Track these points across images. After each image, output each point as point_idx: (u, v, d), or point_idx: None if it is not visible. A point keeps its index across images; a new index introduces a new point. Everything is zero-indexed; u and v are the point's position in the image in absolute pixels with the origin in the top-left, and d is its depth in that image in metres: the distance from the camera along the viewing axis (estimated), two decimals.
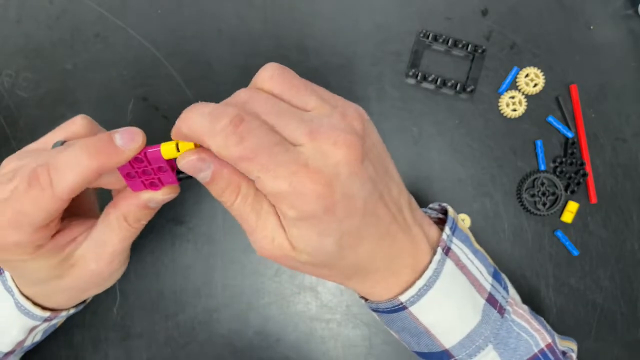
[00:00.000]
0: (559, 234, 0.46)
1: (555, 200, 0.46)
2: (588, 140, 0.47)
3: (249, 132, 0.24)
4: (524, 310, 0.34)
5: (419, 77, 0.46)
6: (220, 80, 0.47)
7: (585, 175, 0.46)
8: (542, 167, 0.46)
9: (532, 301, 0.46)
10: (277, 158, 0.24)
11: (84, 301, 0.38)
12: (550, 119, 0.47)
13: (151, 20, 0.47)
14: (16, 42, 0.47)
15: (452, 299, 0.30)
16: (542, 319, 0.35)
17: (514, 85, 0.47)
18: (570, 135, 0.47)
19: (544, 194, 0.46)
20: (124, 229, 0.30)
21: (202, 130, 0.24)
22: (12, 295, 0.33)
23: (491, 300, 0.31)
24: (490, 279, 0.32)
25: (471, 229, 0.46)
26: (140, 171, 0.28)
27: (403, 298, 0.29)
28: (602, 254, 0.46)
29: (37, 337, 0.37)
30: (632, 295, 0.46)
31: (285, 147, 0.24)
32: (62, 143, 0.30)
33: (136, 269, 0.45)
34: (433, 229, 0.31)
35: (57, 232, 0.30)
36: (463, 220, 0.46)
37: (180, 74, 0.47)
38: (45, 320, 0.34)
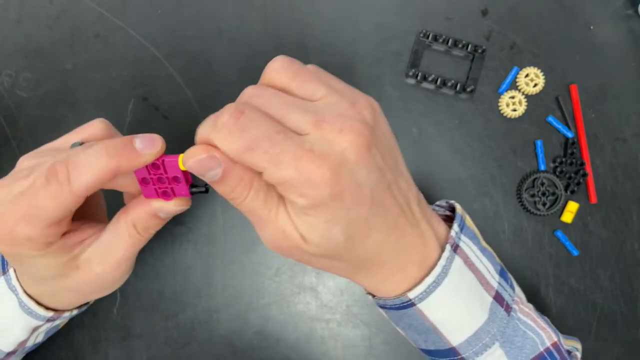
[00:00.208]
0: (559, 234, 0.46)
1: (555, 200, 0.46)
2: (588, 140, 0.47)
3: (250, 122, 0.24)
4: (529, 308, 0.34)
5: (419, 77, 0.46)
6: (220, 80, 0.47)
7: (585, 175, 0.46)
8: (542, 167, 0.46)
9: (532, 301, 0.45)
10: (281, 145, 0.24)
11: (87, 303, 0.38)
12: (550, 119, 0.47)
13: (151, 20, 0.47)
14: (16, 42, 0.47)
15: (460, 296, 0.30)
16: (546, 318, 0.35)
17: (514, 85, 0.47)
18: (570, 135, 0.47)
19: (544, 194, 0.46)
20: (133, 236, 0.30)
21: (207, 131, 0.25)
22: (16, 295, 0.33)
23: (498, 298, 0.31)
24: (497, 276, 0.32)
25: None
26: (156, 178, 0.28)
27: (411, 295, 0.29)
28: (602, 254, 0.46)
29: (39, 337, 0.37)
30: (632, 295, 0.46)
31: (288, 135, 0.24)
32: (80, 144, 0.30)
33: (136, 269, 0.44)
34: (441, 226, 0.31)
35: (67, 232, 0.30)
36: None
37: (180, 74, 0.47)
38: (48, 320, 0.34)
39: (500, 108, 0.47)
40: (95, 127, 0.31)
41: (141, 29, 0.47)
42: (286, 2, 0.48)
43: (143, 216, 0.30)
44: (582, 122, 0.47)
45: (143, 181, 0.28)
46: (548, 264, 0.46)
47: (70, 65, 0.47)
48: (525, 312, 0.33)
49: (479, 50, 0.46)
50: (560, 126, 0.47)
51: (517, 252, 0.46)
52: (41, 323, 0.34)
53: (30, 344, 0.36)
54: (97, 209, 0.35)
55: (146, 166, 0.27)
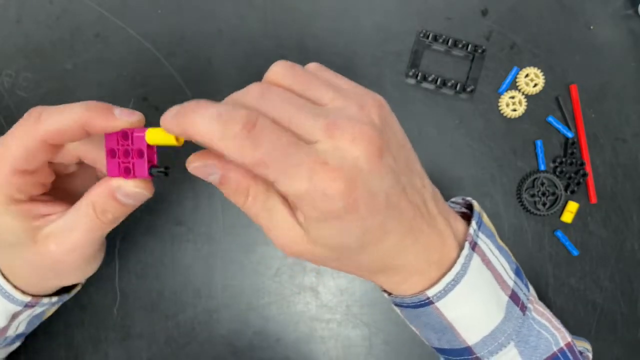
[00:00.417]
0: (559, 234, 0.46)
1: (555, 200, 0.46)
2: (588, 140, 0.47)
3: (262, 136, 0.23)
4: (543, 308, 0.34)
5: (419, 77, 0.46)
6: (220, 80, 0.47)
7: (585, 175, 0.46)
8: (542, 167, 0.46)
9: None
10: (294, 159, 0.23)
11: (68, 292, 0.37)
12: (550, 119, 0.47)
13: (151, 20, 0.47)
14: (16, 42, 0.47)
15: (477, 295, 0.29)
16: (557, 319, 0.35)
17: (514, 85, 0.47)
18: (570, 135, 0.47)
19: (544, 194, 0.46)
20: (90, 218, 0.29)
21: (212, 136, 0.23)
22: None
23: (514, 297, 0.31)
24: (513, 275, 0.32)
25: None
26: (122, 151, 0.27)
27: (430, 293, 0.29)
28: (602, 254, 0.46)
29: (20, 327, 0.36)
30: (632, 295, 0.46)
31: (301, 146, 0.23)
32: None
33: (136, 269, 0.45)
34: (459, 222, 0.31)
35: (37, 200, 0.30)
36: None
37: (180, 74, 0.47)
38: (27, 306, 0.34)
39: (500, 108, 0.47)
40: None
41: (141, 29, 0.47)
42: (286, 2, 0.48)
43: (101, 195, 0.29)
44: (582, 122, 0.47)
45: (110, 153, 0.28)
46: (548, 264, 0.46)
47: (70, 65, 0.47)
48: (539, 312, 0.33)
49: (479, 50, 0.46)
50: (560, 126, 0.47)
51: (517, 252, 0.46)
52: (19, 309, 0.33)
53: (11, 333, 0.35)
54: (79, 196, 0.34)
55: (116, 136, 0.27)
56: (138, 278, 0.45)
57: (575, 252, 0.46)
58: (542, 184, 0.46)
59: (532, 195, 0.46)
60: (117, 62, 0.47)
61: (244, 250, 0.45)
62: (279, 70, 0.26)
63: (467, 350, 0.31)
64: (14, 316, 0.34)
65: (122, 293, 0.45)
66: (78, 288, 0.38)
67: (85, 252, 0.31)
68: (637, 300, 0.46)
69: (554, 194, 0.46)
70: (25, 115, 0.28)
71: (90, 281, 0.40)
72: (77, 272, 0.33)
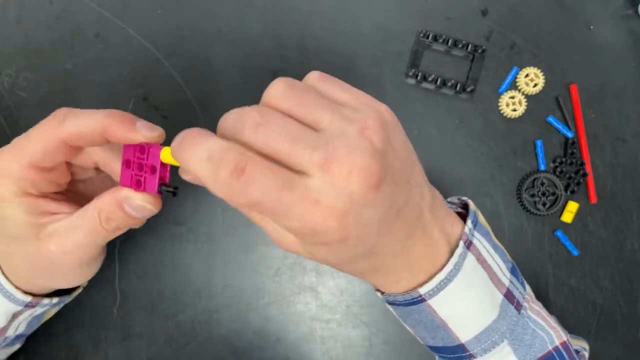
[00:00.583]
0: (559, 234, 0.46)
1: (555, 200, 0.46)
2: (588, 140, 0.47)
3: (252, 181, 0.23)
4: (539, 307, 0.34)
5: (419, 77, 0.46)
6: (220, 80, 0.47)
7: (585, 175, 0.46)
8: (542, 167, 0.46)
9: None
10: (285, 201, 0.23)
11: (69, 294, 0.37)
12: (550, 119, 0.47)
13: (151, 20, 0.47)
14: (16, 42, 0.47)
15: (471, 293, 0.30)
16: (554, 317, 0.35)
17: (514, 85, 0.47)
18: (570, 135, 0.47)
19: (544, 194, 0.46)
20: (94, 223, 0.29)
21: (203, 176, 0.23)
22: None
23: (509, 296, 0.31)
24: (508, 274, 0.32)
25: None
26: (137, 163, 0.28)
27: (422, 290, 0.29)
28: (602, 254, 0.46)
29: (20, 328, 0.36)
30: (632, 295, 0.46)
31: (292, 187, 0.23)
32: None
33: (136, 269, 0.45)
34: (456, 226, 0.31)
35: (48, 197, 0.30)
36: None
37: (180, 74, 0.47)
38: (27, 306, 0.34)
39: (500, 108, 0.47)
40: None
41: (141, 29, 0.47)
42: (286, 2, 0.48)
43: (109, 203, 0.29)
44: (582, 122, 0.47)
45: (126, 164, 0.28)
46: (548, 264, 0.46)
47: (70, 65, 0.47)
48: (535, 311, 0.33)
49: (479, 50, 0.46)
50: (560, 126, 0.47)
51: (517, 252, 0.46)
52: (20, 308, 0.33)
53: (10, 333, 0.35)
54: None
55: (134, 148, 0.28)
56: (138, 278, 0.45)
57: (575, 252, 0.46)
58: (542, 184, 0.46)
59: (532, 195, 0.46)
60: (117, 62, 0.47)
61: (244, 250, 0.45)
62: (278, 93, 0.25)
63: (461, 348, 0.31)
64: (14, 316, 0.34)
65: (122, 293, 0.45)
66: (79, 290, 0.38)
67: (83, 256, 0.31)
68: (637, 300, 0.46)
69: (554, 194, 0.46)
70: (52, 114, 0.29)
71: (91, 281, 0.40)
72: (72, 275, 0.33)
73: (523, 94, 0.47)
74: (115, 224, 0.30)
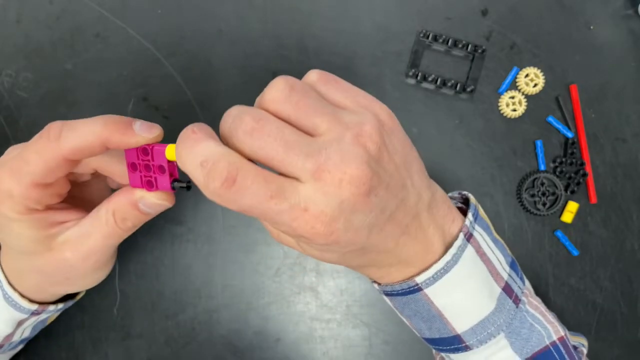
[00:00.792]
0: (559, 234, 0.46)
1: (555, 200, 0.46)
2: (588, 140, 0.47)
3: (243, 191, 0.23)
4: (538, 302, 0.34)
5: (419, 77, 0.46)
6: (220, 80, 0.47)
7: (585, 175, 0.46)
8: (542, 167, 0.46)
9: None
10: (275, 209, 0.24)
11: (73, 298, 0.38)
12: (550, 119, 0.47)
13: (151, 20, 0.47)
14: (16, 42, 0.47)
15: (468, 284, 0.30)
16: (554, 313, 0.35)
17: (514, 85, 0.47)
18: (570, 135, 0.47)
19: (544, 194, 0.46)
20: (110, 225, 0.30)
21: (196, 181, 0.24)
22: (1, 287, 0.33)
23: (507, 289, 0.31)
24: (507, 268, 0.32)
25: None
26: (143, 165, 0.28)
27: (419, 279, 0.29)
28: (602, 254, 0.46)
29: (25, 332, 0.36)
30: (632, 295, 0.46)
31: (282, 195, 0.24)
32: None
33: (136, 269, 0.45)
34: (456, 222, 0.31)
35: (53, 208, 0.30)
36: None
37: (180, 74, 0.47)
38: (33, 314, 0.34)
39: (500, 108, 0.47)
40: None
41: (141, 29, 0.47)
42: (286, 2, 0.48)
43: (123, 204, 0.29)
44: (582, 122, 0.47)
45: (132, 167, 0.28)
46: (548, 264, 0.46)
47: (70, 65, 0.47)
48: (534, 306, 0.33)
49: (479, 50, 0.46)
50: (560, 126, 0.47)
51: (517, 252, 0.46)
52: (25, 316, 0.34)
53: (16, 338, 0.36)
54: (97, 202, 0.35)
55: (137, 151, 0.28)
56: (138, 278, 0.45)
57: (575, 252, 0.46)
58: (542, 184, 0.46)
59: (532, 195, 0.46)
60: (117, 62, 0.47)
61: (244, 250, 0.45)
62: (277, 96, 0.25)
63: (457, 339, 0.31)
64: (20, 323, 0.35)
65: (122, 293, 0.45)
66: (82, 294, 0.39)
67: (101, 259, 0.31)
68: (637, 300, 0.46)
69: (554, 194, 0.46)
70: (45, 130, 0.28)
71: None
72: (89, 279, 0.33)
73: (523, 94, 0.47)
74: (131, 223, 0.30)
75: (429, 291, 0.30)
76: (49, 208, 0.30)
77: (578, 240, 0.46)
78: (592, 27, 0.48)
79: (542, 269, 0.46)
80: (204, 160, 0.23)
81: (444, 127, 0.47)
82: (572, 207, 0.46)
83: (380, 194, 0.25)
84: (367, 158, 0.25)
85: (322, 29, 0.47)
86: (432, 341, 0.33)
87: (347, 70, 0.47)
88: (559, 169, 0.46)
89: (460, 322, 0.31)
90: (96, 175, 0.34)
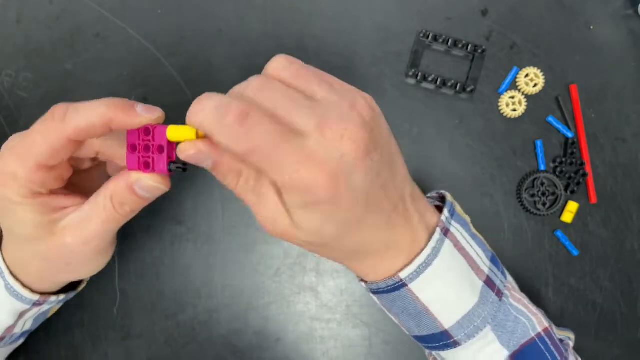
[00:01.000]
0: (559, 234, 0.46)
1: (555, 200, 0.46)
2: (588, 140, 0.47)
3: (254, 127, 0.25)
4: (521, 296, 0.34)
5: (419, 77, 0.46)
6: (220, 80, 0.47)
7: (585, 175, 0.46)
8: (542, 167, 0.46)
9: (532, 301, 0.45)
10: (282, 151, 0.25)
11: (75, 289, 0.38)
12: (550, 119, 0.47)
13: (151, 20, 0.47)
14: (16, 42, 0.47)
15: (450, 277, 0.31)
16: (542, 310, 0.35)
17: (513, 85, 0.47)
18: (570, 135, 0.47)
19: (543, 194, 0.46)
20: (108, 210, 0.30)
21: (209, 126, 0.25)
22: (3, 277, 0.33)
23: (489, 283, 0.32)
24: (488, 262, 0.33)
25: None
26: (143, 146, 0.28)
27: (403, 275, 0.30)
28: (602, 254, 0.46)
29: (27, 324, 0.36)
30: (632, 295, 0.46)
31: (289, 139, 0.25)
32: None
33: (136, 269, 0.45)
34: (435, 218, 0.32)
35: (55, 193, 0.31)
36: None
37: (180, 74, 0.47)
38: (35, 304, 0.34)
39: (500, 108, 0.47)
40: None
41: (141, 29, 0.47)
42: (286, 2, 0.48)
43: (120, 188, 0.29)
44: (582, 122, 0.47)
45: (131, 148, 0.29)
46: (548, 264, 0.46)
47: (70, 65, 0.47)
48: (516, 298, 0.34)
49: (479, 50, 0.46)
50: (560, 126, 0.47)
51: (517, 252, 0.46)
52: (27, 307, 0.34)
53: (18, 330, 0.36)
54: (97, 188, 0.35)
55: (139, 132, 0.28)
56: (138, 278, 0.45)
57: (575, 252, 0.46)
58: (542, 184, 0.46)
59: (532, 195, 0.46)
60: (117, 62, 0.47)
61: (244, 250, 0.45)
62: (279, 65, 0.28)
63: (445, 335, 0.32)
64: (22, 314, 0.35)
65: (122, 293, 0.45)
66: (84, 285, 0.39)
67: (101, 244, 0.31)
68: (637, 300, 0.46)
69: (554, 194, 0.46)
70: (49, 112, 0.29)
71: (91, 281, 0.40)
72: (89, 265, 0.33)
73: (523, 94, 0.47)
74: (129, 208, 0.30)
75: (413, 286, 0.30)
76: (52, 193, 0.31)
77: (578, 240, 0.46)
78: (592, 27, 0.48)
79: (542, 269, 0.46)
80: (218, 104, 0.25)
81: (444, 127, 0.47)
82: (572, 207, 0.46)
83: (375, 159, 0.27)
84: (364, 123, 0.26)
85: (322, 29, 0.47)
86: (422, 339, 0.34)
87: (347, 70, 0.47)
88: (559, 169, 0.46)
89: (447, 317, 0.31)
90: (97, 163, 0.35)
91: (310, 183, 0.25)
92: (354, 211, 0.27)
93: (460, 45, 0.46)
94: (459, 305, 0.31)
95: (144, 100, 0.46)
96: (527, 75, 0.47)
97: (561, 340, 0.35)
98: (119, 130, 0.28)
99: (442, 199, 0.35)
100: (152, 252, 0.45)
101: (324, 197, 0.25)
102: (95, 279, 0.44)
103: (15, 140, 0.29)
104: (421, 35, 0.47)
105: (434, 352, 0.35)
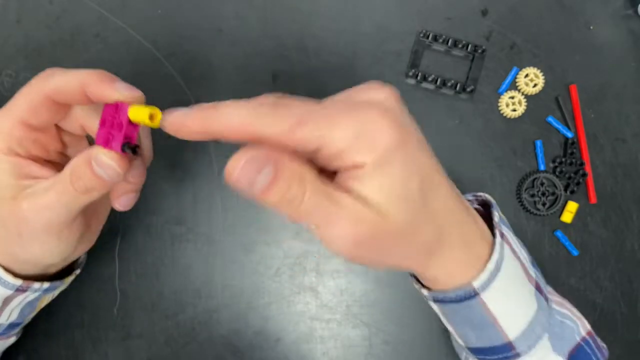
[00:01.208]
0: (559, 234, 0.46)
1: (555, 200, 0.46)
2: (588, 140, 0.47)
3: (292, 104, 0.23)
4: (560, 298, 0.33)
5: (419, 77, 0.46)
6: (220, 80, 0.47)
7: (585, 175, 0.46)
8: (542, 167, 0.46)
9: None
10: (331, 108, 0.23)
11: (60, 279, 0.36)
12: (550, 119, 0.47)
13: (151, 20, 0.47)
14: (16, 42, 0.47)
15: (514, 285, 0.29)
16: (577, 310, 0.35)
17: (513, 86, 0.47)
18: (570, 135, 0.47)
19: (543, 194, 0.46)
20: (65, 182, 0.29)
21: (244, 118, 0.23)
22: None
23: (538, 287, 0.30)
24: (532, 266, 0.31)
25: None
26: (110, 121, 0.28)
27: (476, 284, 0.27)
28: (602, 254, 0.46)
29: (13, 315, 0.35)
30: (632, 295, 0.46)
31: (335, 100, 0.25)
32: None
33: (136, 269, 0.45)
34: (480, 218, 0.30)
35: (35, 162, 0.31)
36: None
37: (180, 74, 0.47)
38: (18, 290, 0.33)
39: (500, 108, 0.47)
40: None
41: (141, 29, 0.47)
42: (286, 2, 0.48)
43: (80, 159, 0.28)
44: (581, 122, 0.47)
45: (102, 123, 0.28)
46: (548, 264, 0.46)
47: (70, 65, 0.46)
48: (558, 302, 0.32)
49: (479, 50, 0.46)
50: (560, 126, 0.47)
51: None
52: (10, 293, 0.33)
53: (3, 320, 0.35)
54: (100, 213, 0.35)
55: (111, 107, 0.28)
56: (138, 278, 0.45)
57: (575, 252, 0.46)
58: (542, 184, 0.46)
59: (532, 195, 0.46)
60: (117, 62, 0.47)
61: (244, 250, 0.45)
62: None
63: (507, 346, 0.29)
64: (6, 301, 0.34)
65: (122, 293, 0.45)
66: (71, 277, 0.37)
67: (53, 219, 0.30)
68: (637, 300, 0.46)
69: (553, 194, 0.46)
70: (36, 76, 0.29)
71: (90, 281, 0.40)
72: (39, 243, 0.31)
73: (523, 94, 0.47)
74: (83, 184, 0.28)
75: (484, 295, 0.28)
76: (31, 158, 0.30)
77: (578, 240, 0.46)
78: (592, 27, 0.48)
79: (542, 269, 0.46)
80: (245, 102, 0.24)
81: (444, 127, 0.47)
82: (572, 207, 0.46)
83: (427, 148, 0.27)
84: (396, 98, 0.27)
85: (322, 29, 0.47)
86: (479, 351, 0.31)
87: (347, 70, 0.47)
88: (558, 169, 0.46)
89: (513, 327, 0.29)
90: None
91: (371, 125, 0.23)
92: (423, 156, 0.25)
93: (460, 45, 0.46)
94: (523, 314, 0.29)
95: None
96: (527, 76, 0.47)
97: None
98: (96, 100, 0.28)
99: (482, 203, 0.33)
100: (152, 252, 0.45)
101: (391, 137, 0.23)
102: (95, 279, 0.44)
103: None
104: (421, 35, 0.47)
105: None
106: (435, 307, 0.31)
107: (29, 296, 0.35)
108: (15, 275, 0.33)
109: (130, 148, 0.28)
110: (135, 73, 0.47)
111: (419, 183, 0.24)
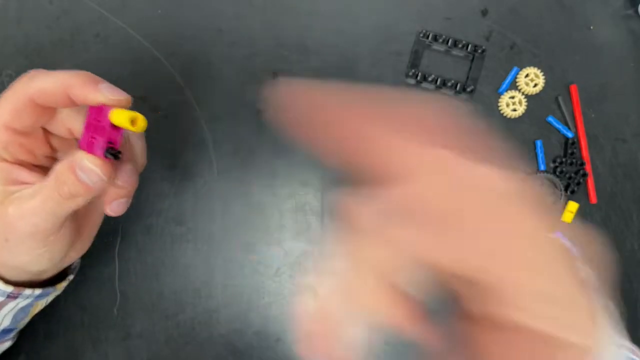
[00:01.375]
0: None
1: (555, 200, 0.46)
2: (588, 140, 0.47)
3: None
4: None
5: (419, 77, 0.46)
6: (220, 80, 0.47)
7: (585, 175, 0.46)
8: (542, 167, 0.46)
9: None
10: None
11: (52, 284, 0.36)
12: (550, 119, 0.47)
13: (151, 20, 0.47)
14: (16, 42, 0.47)
15: None
16: None
17: (513, 86, 0.47)
18: (570, 135, 0.47)
19: None
20: (50, 187, 0.28)
21: None
22: None
23: None
24: None
25: None
26: (94, 125, 0.28)
27: None
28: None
29: (6, 320, 0.35)
30: (632, 295, 0.46)
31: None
32: None
33: (136, 269, 0.45)
34: None
35: (23, 167, 0.30)
36: None
37: (180, 74, 0.47)
38: (9, 296, 0.33)
39: (500, 108, 0.47)
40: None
41: (141, 29, 0.47)
42: (286, 2, 0.48)
43: (65, 165, 0.28)
44: (582, 122, 0.47)
45: (87, 126, 0.28)
46: None
47: (70, 65, 0.47)
48: None
49: (479, 50, 0.46)
50: (560, 126, 0.47)
51: None
52: (1, 299, 0.33)
53: None
54: (92, 220, 0.34)
55: (96, 110, 0.27)
56: (138, 278, 0.45)
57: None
58: (542, 184, 0.46)
59: None
60: (117, 62, 0.47)
61: (244, 250, 0.45)
62: None
63: None
64: None
65: (122, 293, 0.45)
66: (65, 284, 0.37)
67: (39, 224, 0.29)
68: (637, 300, 0.46)
69: (554, 194, 0.46)
70: (21, 76, 0.28)
71: (90, 281, 0.40)
72: (26, 249, 0.30)
73: (523, 94, 0.47)
74: (68, 189, 0.28)
75: None
76: (19, 163, 0.30)
77: None
78: (592, 27, 0.48)
79: None
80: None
81: None
82: (572, 207, 0.46)
83: None
84: None
85: (322, 29, 0.47)
86: None
87: (347, 70, 0.47)
88: (559, 169, 0.46)
89: None
90: None
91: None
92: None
93: (460, 45, 0.46)
94: None
95: (144, 100, 0.46)
96: (527, 75, 0.47)
97: None
98: (79, 103, 0.27)
99: None
100: (152, 253, 0.45)
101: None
102: (94, 279, 0.44)
103: None
104: (421, 35, 0.47)
105: None
106: None
107: (21, 302, 0.34)
108: (6, 281, 0.32)
109: (112, 154, 0.27)
110: (135, 73, 0.46)
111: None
